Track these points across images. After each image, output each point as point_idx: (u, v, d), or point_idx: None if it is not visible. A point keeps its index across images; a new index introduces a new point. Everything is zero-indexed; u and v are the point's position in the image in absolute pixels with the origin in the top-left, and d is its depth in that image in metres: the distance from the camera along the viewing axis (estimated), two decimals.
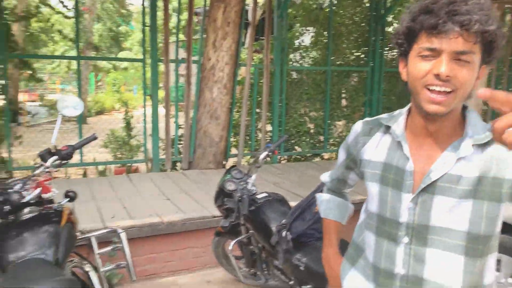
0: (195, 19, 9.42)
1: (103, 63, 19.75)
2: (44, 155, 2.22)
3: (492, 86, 7.34)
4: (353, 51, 6.77)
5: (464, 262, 1.03)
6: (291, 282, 2.20)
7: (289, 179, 4.85)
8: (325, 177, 1.45)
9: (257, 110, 5.93)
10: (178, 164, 5.50)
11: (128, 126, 6.83)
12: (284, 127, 5.93)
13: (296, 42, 6.75)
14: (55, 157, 2.22)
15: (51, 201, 2.23)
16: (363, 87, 6.55)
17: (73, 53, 16.47)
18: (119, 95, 18.58)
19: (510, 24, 7.41)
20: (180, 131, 5.50)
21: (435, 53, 0.95)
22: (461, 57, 0.94)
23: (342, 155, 1.32)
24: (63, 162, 2.26)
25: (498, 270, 2.65)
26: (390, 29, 6.71)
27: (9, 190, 2.03)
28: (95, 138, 2.36)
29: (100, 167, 6.21)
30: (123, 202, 3.87)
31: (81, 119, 5.11)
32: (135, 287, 3.28)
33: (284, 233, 2.17)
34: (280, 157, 6.08)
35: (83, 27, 13.31)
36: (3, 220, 2.00)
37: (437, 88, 0.95)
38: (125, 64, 20.71)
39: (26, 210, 2.05)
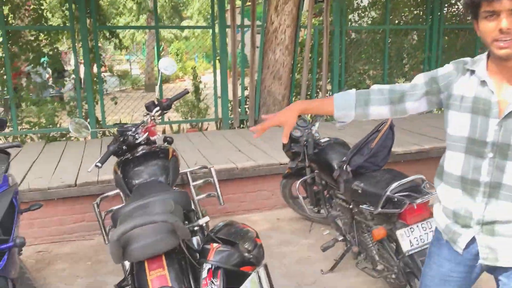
0: None
1: (165, 34, 20.59)
2: (150, 106, 2.79)
3: None
4: (411, 9, 6.80)
5: None
6: (351, 206, 2.63)
7: (349, 133, 5.20)
8: (380, 85, 1.59)
9: (318, 70, 6.25)
10: (245, 122, 6.02)
11: (197, 91, 7.41)
12: (344, 85, 6.22)
13: (355, 3, 6.90)
14: (158, 108, 2.78)
15: (155, 142, 2.82)
16: (422, 44, 6.62)
17: (135, 23, 17.38)
18: (182, 64, 19.40)
19: None
20: (246, 93, 5.99)
21: (496, 13, 1.25)
22: None
23: (422, 80, 1.51)
24: (164, 112, 2.82)
25: None
26: None
27: (127, 133, 2.63)
28: (187, 92, 2.90)
29: (174, 127, 6.88)
30: (202, 152, 4.46)
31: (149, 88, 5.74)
32: (215, 222, 3.88)
33: (344, 167, 2.59)
34: None
35: None
36: (123, 158, 2.60)
37: (503, 38, 1.26)
38: (186, 33, 21.43)
39: (139, 148, 2.64)
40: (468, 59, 1.46)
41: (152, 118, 2.78)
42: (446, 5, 6.69)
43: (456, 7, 6.99)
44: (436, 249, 1.60)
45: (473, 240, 1.45)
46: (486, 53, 1.42)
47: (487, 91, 1.37)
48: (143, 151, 2.59)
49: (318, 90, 6.28)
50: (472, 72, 1.42)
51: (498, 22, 1.25)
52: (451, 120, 1.45)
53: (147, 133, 2.73)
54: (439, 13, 6.40)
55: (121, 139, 2.60)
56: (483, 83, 1.38)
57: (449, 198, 1.51)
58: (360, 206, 2.47)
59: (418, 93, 1.50)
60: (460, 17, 7.04)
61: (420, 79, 1.52)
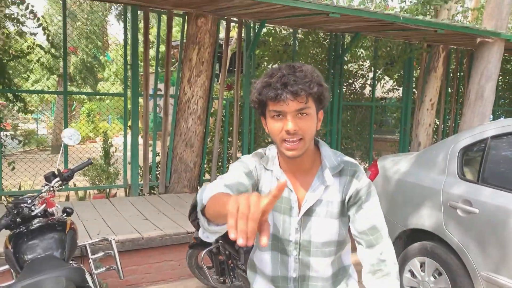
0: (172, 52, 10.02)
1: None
2: (49, 177, 2.73)
3: (441, 120, 8.19)
4: None
5: (332, 259, 1.42)
6: None
7: None
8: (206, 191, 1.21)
9: (229, 139, 6.52)
10: (155, 189, 5.98)
11: (107, 155, 7.25)
12: None
13: None
14: (57, 178, 2.73)
15: (53, 214, 2.73)
16: (324, 119, 7.25)
17: (47, 82, 16.79)
18: (94, 125, 18.88)
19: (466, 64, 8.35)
20: (157, 159, 6.02)
21: (282, 113, 1.27)
22: (300, 112, 1.26)
23: (243, 174, 1.36)
24: (64, 182, 2.78)
25: (423, 270, 3.25)
26: (346, 67, 7.51)
27: (21, 205, 2.53)
28: (90, 163, 2.89)
29: (80, 193, 6.60)
30: (106, 221, 4.33)
31: (65, 148, 5.57)
32: None
33: None
34: None
35: (59, 60, 13.76)
36: (16, 231, 2.48)
37: (290, 139, 1.28)
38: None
39: (35, 220, 2.54)
40: (262, 152, 1.46)
41: (51, 189, 2.72)
42: (344, 84, 7.50)
43: (353, 87, 7.85)
44: None
45: None
46: (275, 149, 1.44)
47: (286, 190, 1.37)
48: (39, 223, 2.50)
49: (229, 158, 6.51)
50: (270, 171, 1.43)
51: (285, 122, 1.27)
52: None
53: (44, 205, 2.65)
54: (338, 91, 7.13)
55: (15, 212, 2.50)
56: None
57: None
58: None
59: (244, 180, 1.35)
60: (357, 95, 7.89)
61: (241, 172, 1.37)
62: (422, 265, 3.26)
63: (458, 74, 8.47)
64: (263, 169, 1.43)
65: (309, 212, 1.37)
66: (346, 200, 1.38)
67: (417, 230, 3.30)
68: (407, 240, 3.50)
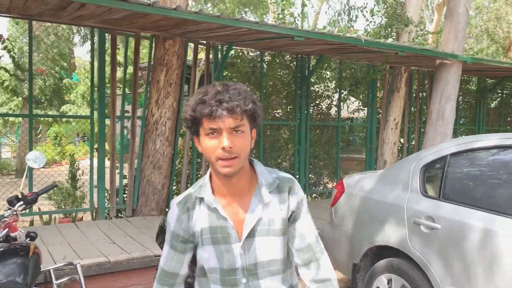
0: (140, 74, 10.00)
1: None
2: (12, 201, 2.67)
3: (405, 138, 8.47)
4: (283, 107, 7.64)
5: (282, 277, 1.40)
6: None
7: None
8: None
9: (198, 160, 6.51)
10: (123, 212, 5.87)
11: (74, 178, 7.08)
12: None
13: None
14: (21, 202, 2.67)
15: (16, 239, 2.65)
16: (292, 138, 7.37)
17: (11, 105, 16.32)
18: (60, 148, 18.42)
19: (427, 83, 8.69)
20: (125, 181, 5.93)
21: (217, 131, 1.26)
22: (236, 129, 1.26)
23: (168, 246, 1.44)
24: (28, 206, 2.71)
25: (390, 287, 3.31)
26: (313, 88, 7.70)
27: None
28: (56, 186, 2.84)
29: (45, 218, 6.40)
30: (72, 245, 4.22)
31: (30, 172, 5.42)
32: None
33: None
34: None
35: (24, 82, 13.42)
36: None
37: (226, 157, 1.26)
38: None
39: None
40: (191, 188, 1.44)
41: (15, 213, 2.65)
42: (311, 105, 7.66)
43: (319, 107, 8.03)
44: None
45: None
46: (207, 175, 1.41)
47: (220, 218, 1.35)
48: (1, 249, 2.43)
49: (198, 179, 6.48)
50: (201, 199, 1.39)
51: (220, 140, 1.26)
52: (200, 257, 1.41)
53: (7, 229, 2.58)
54: (305, 112, 7.28)
55: None
56: (214, 210, 1.36)
57: None
58: None
59: (180, 257, 1.43)
60: (324, 116, 8.07)
61: (166, 247, 1.46)
62: (389, 282, 3.31)
63: (421, 94, 8.82)
64: (190, 206, 1.39)
65: (251, 234, 1.35)
66: (287, 217, 1.39)
67: (384, 247, 3.37)
68: (374, 257, 3.56)
